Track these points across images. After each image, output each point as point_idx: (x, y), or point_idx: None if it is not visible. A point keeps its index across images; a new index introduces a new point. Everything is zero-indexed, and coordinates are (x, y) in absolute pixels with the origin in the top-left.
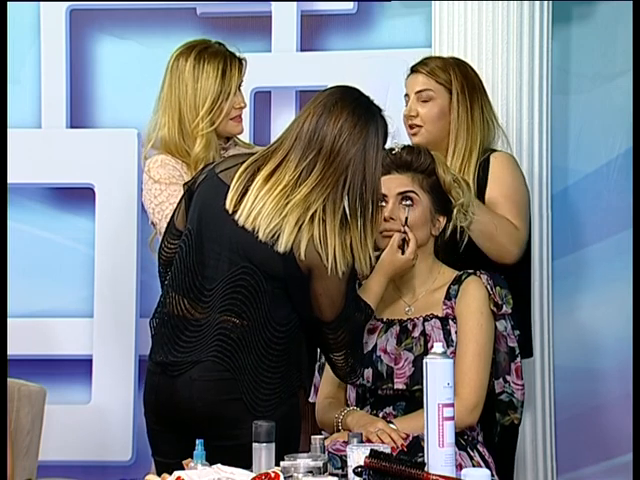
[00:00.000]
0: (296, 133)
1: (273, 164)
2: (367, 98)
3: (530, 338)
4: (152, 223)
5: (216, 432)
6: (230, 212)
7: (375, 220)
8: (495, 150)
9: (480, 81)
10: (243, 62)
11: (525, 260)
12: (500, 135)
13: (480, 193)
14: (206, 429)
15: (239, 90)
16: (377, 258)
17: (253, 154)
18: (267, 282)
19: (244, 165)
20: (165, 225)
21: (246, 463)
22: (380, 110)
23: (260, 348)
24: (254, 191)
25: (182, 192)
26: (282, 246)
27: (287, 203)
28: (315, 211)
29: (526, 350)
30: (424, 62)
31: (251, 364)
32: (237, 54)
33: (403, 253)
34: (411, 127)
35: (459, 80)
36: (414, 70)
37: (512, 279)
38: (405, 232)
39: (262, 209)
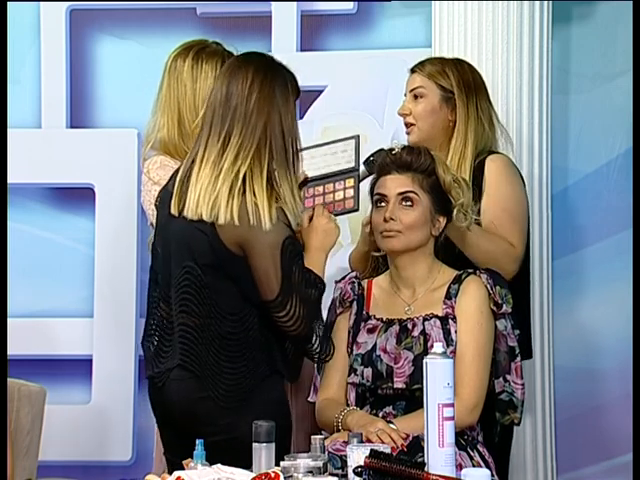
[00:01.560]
0: (212, 110)
1: (202, 148)
2: (269, 55)
3: (530, 339)
4: (151, 224)
5: (196, 430)
6: (177, 215)
7: (296, 169)
8: (493, 152)
9: (480, 81)
10: None
11: (524, 261)
12: (502, 136)
13: (475, 197)
14: (188, 427)
15: None
16: (382, 258)
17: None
18: (207, 275)
19: (181, 167)
20: None
21: (223, 459)
22: (284, 67)
23: (216, 340)
24: (193, 181)
25: None
26: (222, 218)
27: (218, 175)
28: (245, 174)
29: (526, 351)
30: (421, 62)
31: (212, 359)
32: (235, 53)
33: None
34: (406, 126)
35: (455, 78)
36: (412, 70)
37: (512, 280)
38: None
39: (200, 192)
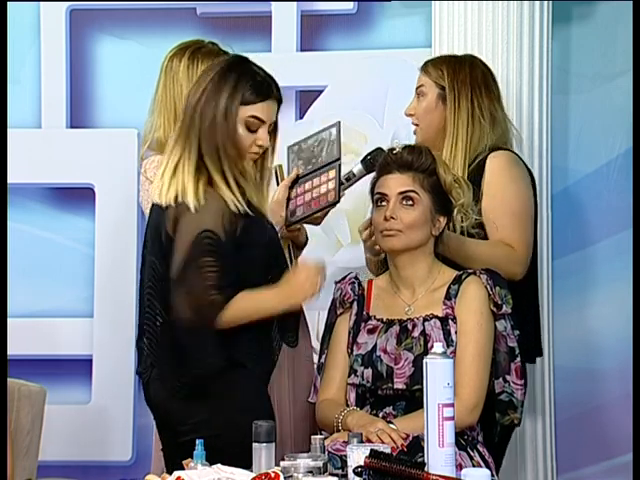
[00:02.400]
0: None
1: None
2: (236, 57)
3: (539, 337)
4: None
5: (172, 429)
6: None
7: (240, 157)
8: (499, 148)
9: (481, 77)
10: None
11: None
12: (508, 132)
13: (475, 196)
14: (166, 426)
15: None
16: (382, 261)
17: None
18: (162, 267)
19: None
20: None
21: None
22: (258, 72)
23: (170, 332)
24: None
25: None
26: (164, 202)
27: (166, 164)
28: (178, 160)
29: (536, 350)
30: (427, 60)
31: (169, 353)
32: (231, 53)
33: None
34: (413, 125)
35: (449, 75)
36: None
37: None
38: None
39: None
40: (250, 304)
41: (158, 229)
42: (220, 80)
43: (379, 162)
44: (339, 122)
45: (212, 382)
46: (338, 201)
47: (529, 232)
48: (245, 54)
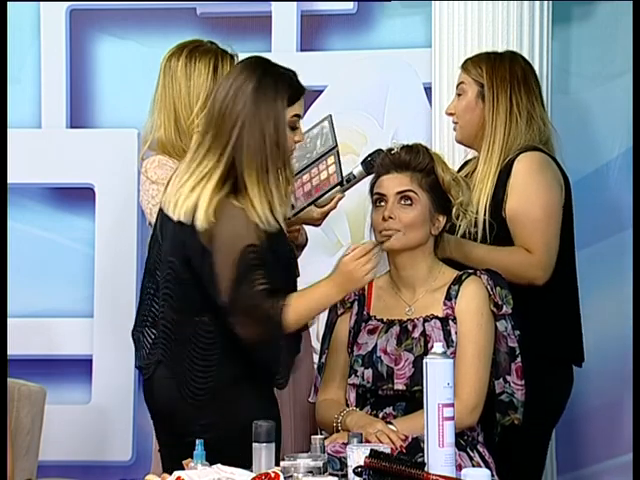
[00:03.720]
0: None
1: (190, 150)
2: (261, 59)
3: (582, 343)
4: (150, 224)
5: (175, 430)
6: (169, 212)
7: (282, 173)
8: (533, 148)
9: (521, 74)
10: (235, 58)
11: (565, 265)
12: (542, 132)
13: (497, 194)
14: (168, 426)
15: None
16: None
17: None
18: (185, 271)
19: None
20: None
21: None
22: (284, 69)
23: (191, 338)
24: (175, 182)
25: None
26: (182, 216)
27: (191, 174)
28: (207, 172)
29: (579, 355)
30: (467, 58)
31: (186, 356)
32: (229, 51)
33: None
34: (454, 124)
35: (487, 72)
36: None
37: (554, 284)
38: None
39: (176, 191)
40: (311, 301)
41: (176, 235)
42: (259, 89)
43: (377, 162)
44: (330, 115)
45: (225, 388)
46: (342, 183)
47: (551, 236)
48: (245, 54)
